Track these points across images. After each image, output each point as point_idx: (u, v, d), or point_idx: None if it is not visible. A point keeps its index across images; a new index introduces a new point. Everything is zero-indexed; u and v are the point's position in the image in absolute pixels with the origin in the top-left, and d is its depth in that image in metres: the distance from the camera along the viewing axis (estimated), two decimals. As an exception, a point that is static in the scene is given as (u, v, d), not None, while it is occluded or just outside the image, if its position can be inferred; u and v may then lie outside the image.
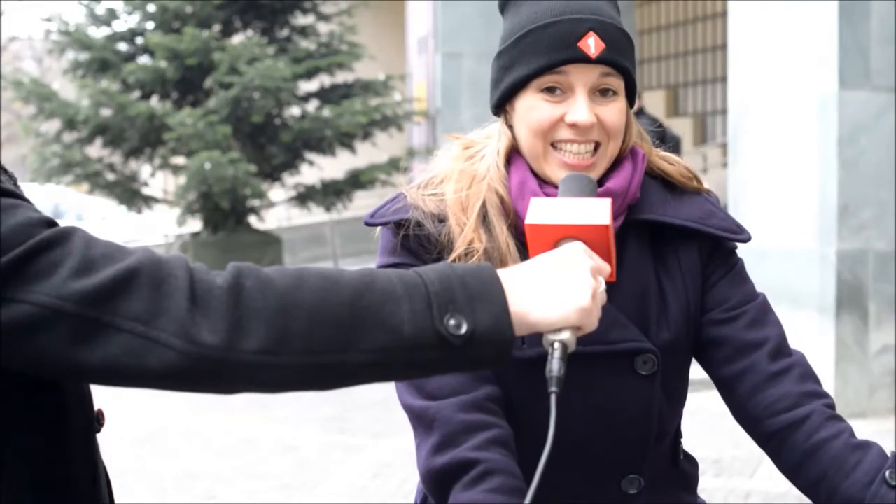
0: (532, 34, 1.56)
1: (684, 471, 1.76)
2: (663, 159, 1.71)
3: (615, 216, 1.60)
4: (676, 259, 1.66)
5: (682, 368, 1.69)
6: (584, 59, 1.54)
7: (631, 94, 1.62)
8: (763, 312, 1.66)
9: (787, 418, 1.57)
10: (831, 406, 1.60)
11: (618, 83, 1.58)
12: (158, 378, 1.08)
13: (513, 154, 1.64)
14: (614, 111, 1.58)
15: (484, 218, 1.60)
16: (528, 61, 1.56)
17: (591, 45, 1.54)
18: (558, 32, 1.55)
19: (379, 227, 1.65)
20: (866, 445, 1.54)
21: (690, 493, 1.77)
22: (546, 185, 1.60)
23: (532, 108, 1.58)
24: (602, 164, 1.60)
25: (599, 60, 1.54)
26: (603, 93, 1.57)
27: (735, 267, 1.70)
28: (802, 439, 1.56)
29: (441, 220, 1.61)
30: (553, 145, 1.58)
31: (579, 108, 1.55)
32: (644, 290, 1.63)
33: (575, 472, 1.63)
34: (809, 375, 1.62)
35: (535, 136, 1.58)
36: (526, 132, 1.60)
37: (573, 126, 1.56)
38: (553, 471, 1.57)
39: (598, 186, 1.58)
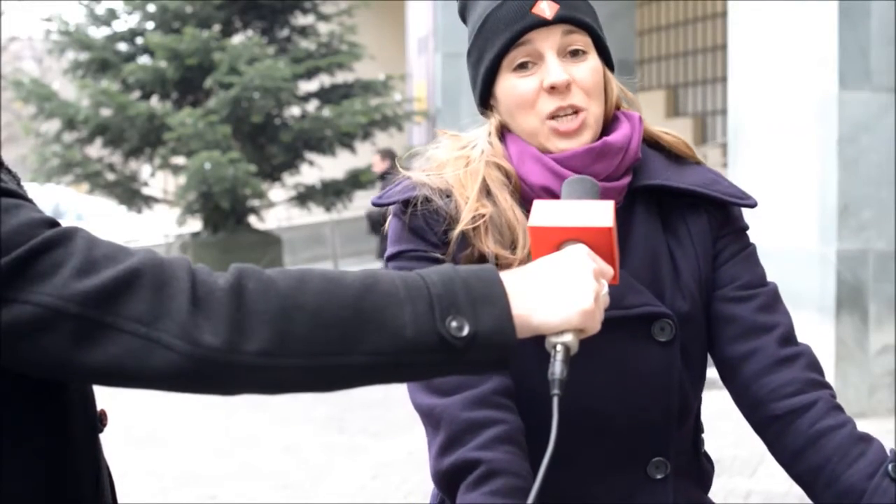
0: (489, 19, 1.60)
1: (704, 468, 1.75)
2: (661, 131, 1.72)
3: (620, 175, 1.61)
4: (685, 226, 1.66)
5: (700, 339, 1.66)
6: (541, 22, 1.57)
7: (604, 54, 1.64)
8: (775, 299, 1.66)
9: (792, 403, 1.57)
10: (834, 397, 1.60)
11: (584, 40, 1.60)
12: (160, 379, 1.08)
13: (505, 133, 1.66)
14: (587, 70, 1.60)
15: (487, 193, 1.61)
16: (493, 44, 1.60)
17: (545, 8, 1.57)
18: (511, 7, 1.59)
19: (388, 219, 1.65)
20: (869, 438, 1.55)
21: (705, 494, 1.77)
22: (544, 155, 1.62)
23: (511, 88, 1.60)
24: (592, 126, 1.61)
25: (557, 20, 1.57)
26: (573, 54, 1.60)
27: (748, 248, 1.70)
28: (806, 425, 1.56)
29: (448, 194, 1.62)
30: (549, 118, 1.60)
31: (552, 70, 1.57)
32: (655, 256, 1.63)
33: (598, 453, 1.61)
34: (816, 366, 1.62)
35: (524, 112, 1.60)
36: (514, 112, 1.62)
37: (552, 89, 1.57)
38: (578, 453, 1.57)
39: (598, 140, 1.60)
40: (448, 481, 1.50)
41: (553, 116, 1.59)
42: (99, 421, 1.29)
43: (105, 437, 1.31)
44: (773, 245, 6.86)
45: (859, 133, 6.72)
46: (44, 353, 1.07)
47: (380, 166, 11.31)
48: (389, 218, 1.65)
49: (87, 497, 1.23)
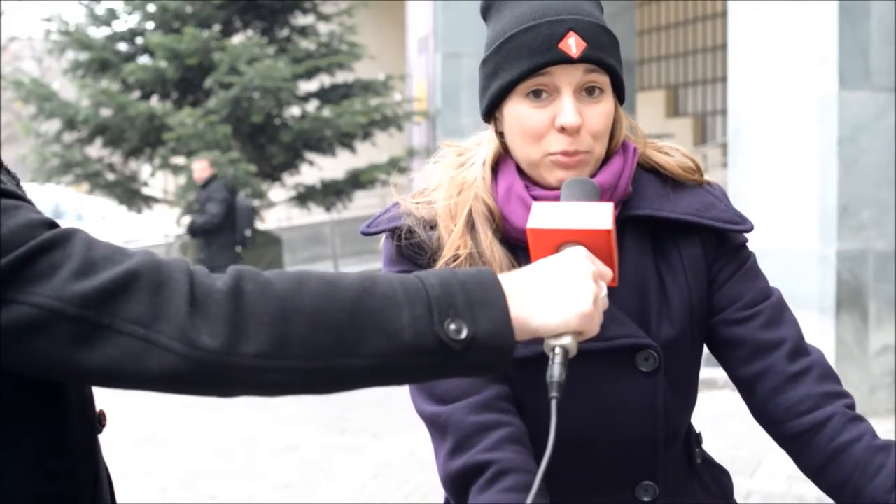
0: (513, 39, 1.57)
1: (705, 480, 1.74)
2: (660, 151, 1.70)
3: None
4: (678, 253, 1.65)
5: (689, 364, 1.67)
6: (566, 59, 1.54)
7: (619, 90, 1.62)
8: (779, 311, 1.65)
9: (808, 421, 1.57)
10: (851, 406, 1.59)
11: (603, 80, 1.58)
12: (158, 381, 1.08)
13: (501, 159, 1.65)
14: (600, 114, 1.58)
15: (472, 225, 1.61)
16: (511, 67, 1.57)
17: (572, 45, 1.54)
18: (538, 35, 1.55)
19: (382, 238, 1.66)
20: (888, 447, 1.54)
21: (723, 500, 1.75)
22: (534, 188, 1.61)
23: (521, 116, 1.58)
24: (591, 164, 1.60)
25: (582, 60, 1.54)
26: (589, 91, 1.57)
27: (746, 262, 1.68)
28: (825, 442, 1.55)
29: (432, 226, 1.62)
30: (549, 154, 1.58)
31: (566, 111, 1.55)
32: (644, 286, 1.63)
33: (586, 477, 1.62)
34: (829, 375, 1.61)
35: (529, 143, 1.59)
36: (518, 140, 1.60)
37: (562, 130, 1.56)
38: (565, 475, 1.57)
39: None
40: (459, 484, 1.50)
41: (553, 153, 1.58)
42: (98, 421, 1.29)
43: (105, 437, 1.31)
44: (773, 245, 6.87)
45: (859, 133, 6.72)
46: (42, 355, 1.07)
47: (206, 172, 11.61)
48: (383, 239, 1.67)
49: (85, 497, 1.23)
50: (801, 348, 1.62)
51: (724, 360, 1.66)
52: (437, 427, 1.55)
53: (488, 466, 1.47)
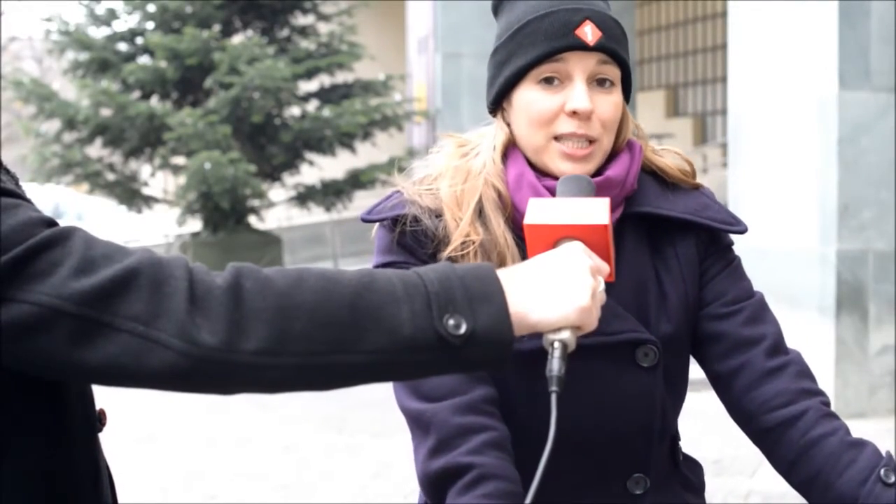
0: (529, 25, 1.58)
1: (685, 474, 1.75)
2: (659, 154, 1.72)
3: (613, 207, 1.61)
4: (674, 251, 1.66)
5: (683, 362, 1.68)
6: (582, 46, 1.56)
7: (626, 87, 1.63)
8: (761, 310, 1.67)
9: (782, 415, 1.58)
10: (827, 403, 1.60)
11: (614, 73, 1.60)
12: (158, 379, 1.08)
13: (509, 149, 1.65)
14: (610, 104, 1.59)
15: (480, 213, 1.60)
16: (527, 52, 1.58)
17: (588, 32, 1.56)
18: (555, 22, 1.57)
19: (375, 227, 1.65)
20: (861, 444, 1.55)
21: (698, 497, 1.77)
22: (544, 178, 1.61)
23: (531, 101, 1.59)
24: (598, 157, 1.61)
25: (597, 48, 1.56)
26: (600, 83, 1.59)
27: (733, 262, 1.70)
28: (797, 436, 1.56)
29: (438, 215, 1.61)
30: (556, 139, 1.59)
31: (578, 95, 1.56)
32: (642, 282, 1.64)
33: (580, 471, 1.62)
34: (806, 373, 1.63)
35: (537, 128, 1.59)
36: (526, 126, 1.61)
37: (573, 114, 1.56)
38: (557, 469, 1.57)
39: (597, 175, 1.59)
40: (436, 484, 1.50)
41: (560, 138, 1.58)
42: (98, 420, 1.29)
43: (105, 437, 1.31)
44: (773, 245, 6.87)
45: (859, 133, 6.72)
46: (42, 353, 1.07)
47: None
48: (377, 228, 1.65)
49: (86, 497, 1.23)
50: (780, 346, 1.64)
51: (703, 356, 1.68)
52: (419, 424, 1.54)
53: (469, 470, 1.46)
